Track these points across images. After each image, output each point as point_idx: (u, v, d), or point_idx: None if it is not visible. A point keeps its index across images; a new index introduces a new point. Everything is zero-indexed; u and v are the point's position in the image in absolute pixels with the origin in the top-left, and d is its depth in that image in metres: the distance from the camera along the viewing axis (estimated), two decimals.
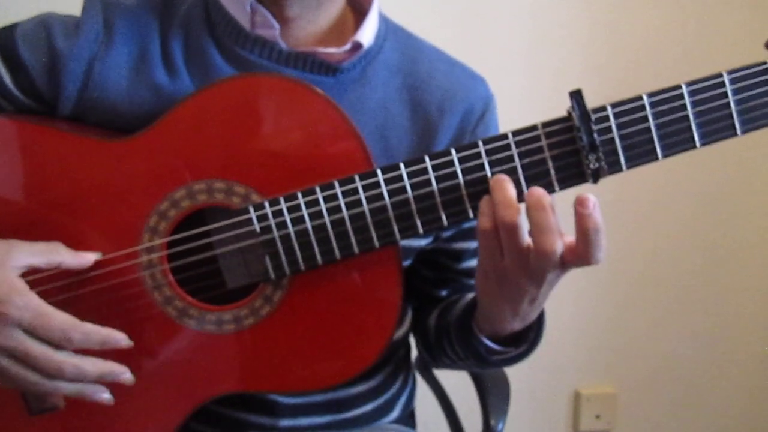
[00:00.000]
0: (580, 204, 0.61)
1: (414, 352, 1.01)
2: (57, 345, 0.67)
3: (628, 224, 1.64)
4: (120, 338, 0.69)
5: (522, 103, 1.27)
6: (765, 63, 0.64)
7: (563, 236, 0.63)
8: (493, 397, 1.05)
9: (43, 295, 0.71)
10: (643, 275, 1.68)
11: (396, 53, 0.84)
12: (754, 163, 1.62)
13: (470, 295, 0.86)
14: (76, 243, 0.73)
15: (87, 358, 0.68)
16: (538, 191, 0.62)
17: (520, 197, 0.65)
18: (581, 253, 0.63)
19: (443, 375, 1.17)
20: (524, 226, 0.64)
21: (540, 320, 0.77)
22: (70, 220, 0.74)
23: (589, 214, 0.61)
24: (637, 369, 1.73)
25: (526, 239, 0.64)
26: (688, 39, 1.53)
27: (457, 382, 1.12)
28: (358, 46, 0.80)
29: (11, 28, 0.79)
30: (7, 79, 0.78)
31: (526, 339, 0.78)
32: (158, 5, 0.81)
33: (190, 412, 0.77)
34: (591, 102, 0.65)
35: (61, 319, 0.66)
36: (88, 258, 0.72)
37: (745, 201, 1.66)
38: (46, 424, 0.77)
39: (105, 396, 0.71)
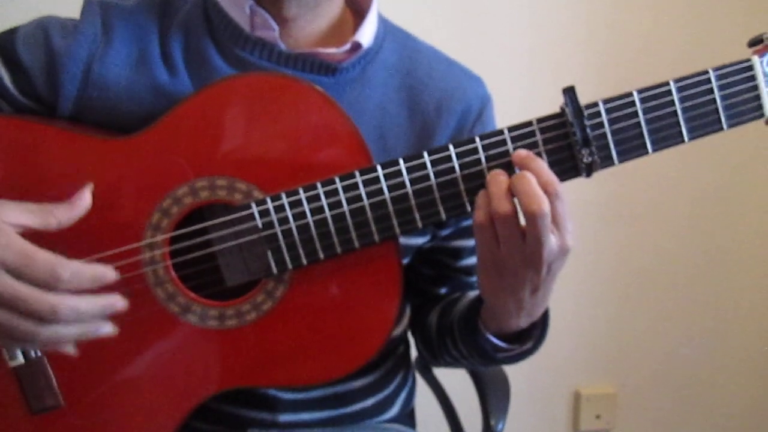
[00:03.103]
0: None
1: (413, 351, 1.02)
2: (46, 286, 0.63)
3: (629, 224, 1.65)
4: (109, 273, 0.66)
5: (521, 102, 1.28)
6: (749, 60, 0.67)
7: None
8: (493, 397, 1.05)
9: None
10: (643, 275, 1.69)
11: (394, 54, 0.85)
12: (754, 163, 1.63)
13: (473, 293, 0.88)
14: (78, 240, 0.73)
15: (81, 296, 0.65)
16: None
17: None
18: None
19: (443, 375, 1.18)
20: (519, 216, 0.66)
21: (545, 317, 0.78)
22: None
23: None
24: (637, 369, 1.74)
25: (521, 228, 0.66)
26: (687, 39, 1.54)
27: (457, 382, 1.13)
28: (357, 46, 0.81)
29: (12, 32, 0.81)
30: (7, 81, 0.79)
31: (531, 336, 0.79)
32: (157, 7, 0.82)
33: (192, 409, 0.78)
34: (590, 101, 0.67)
35: (45, 257, 0.63)
36: (84, 200, 0.69)
37: (744, 201, 1.66)
38: (47, 423, 0.77)
39: (107, 329, 0.68)
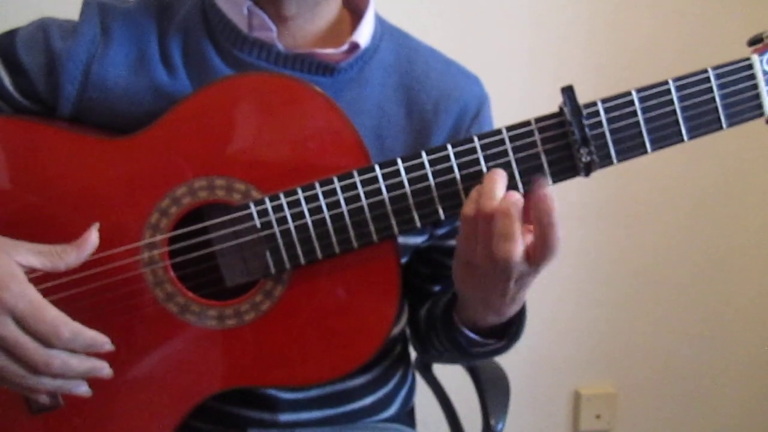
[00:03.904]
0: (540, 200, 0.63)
1: (412, 349, 1.02)
2: (44, 341, 0.66)
3: (628, 224, 1.65)
4: (104, 342, 0.69)
5: (520, 102, 1.28)
6: (748, 59, 0.67)
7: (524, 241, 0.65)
8: (493, 397, 1.05)
9: (46, 293, 0.71)
10: (643, 275, 1.68)
11: (392, 54, 0.85)
12: (754, 163, 1.63)
13: None
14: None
15: (73, 355, 0.68)
16: (513, 197, 0.65)
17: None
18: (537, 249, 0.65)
19: (443, 375, 1.18)
20: None
21: (521, 315, 0.79)
22: (71, 218, 0.75)
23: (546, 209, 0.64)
24: (637, 369, 1.74)
25: None
26: (687, 39, 1.54)
27: (457, 382, 1.13)
28: (355, 46, 0.81)
29: (12, 33, 0.81)
30: (7, 82, 0.79)
31: (507, 333, 0.79)
32: (156, 8, 0.82)
33: (191, 409, 0.78)
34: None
35: (53, 314, 0.66)
36: (91, 241, 0.70)
37: (744, 201, 1.66)
38: (47, 423, 0.77)
39: (83, 389, 0.71)
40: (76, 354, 0.68)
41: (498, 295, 0.71)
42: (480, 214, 0.66)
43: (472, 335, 0.80)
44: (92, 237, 0.70)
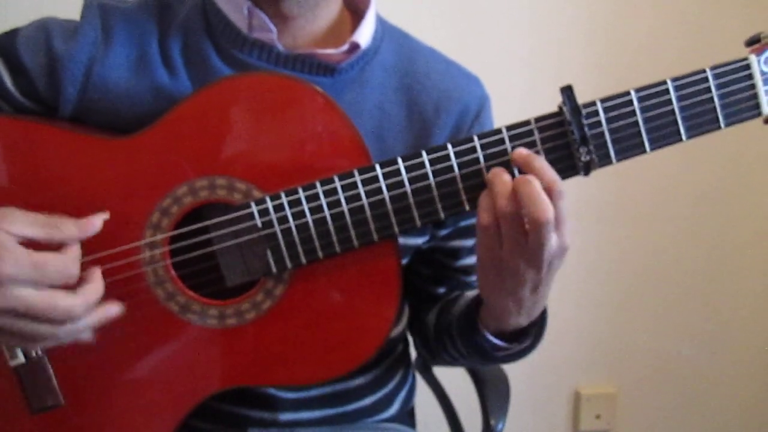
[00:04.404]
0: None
1: (413, 350, 1.02)
2: (65, 285, 0.65)
3: (629, 224, 1.65)
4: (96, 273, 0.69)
5: (521, 102, 1.28)
6: (746, 59, 0.67)
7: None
8: (493, 397, 1.05)
9: None
10: (643, 275, 1.69)
11: (393, 54, 0.86)
12: (754, 163, 1.63)
13: (472, 293, 0.88)
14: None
15: (87, 286, 0.68)
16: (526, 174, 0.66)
17: None
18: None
19: (443, 375, 1.18)
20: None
21: (543, 314, 0.79)
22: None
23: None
24: (638, 369, 1.74)
25: (524, 229, 0.66)
26: (687, 39, 1.54)
27: (457, 382, 1.13)
28: (355, 46, 0.82)
29: (13, 33, 0.81)
30: (8, 82, 0.79)
31: (529, 334, 0.79)
32: (156, 9, 0.82)
33: (192, 408, 0.78)
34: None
35: (54, 261, 0.65)
36: (94, 224, 0.69)
37: (744, 201, 1.66)
38: (47, 423, 0.78)
39: (115, 309, 0.70)
40: (87, 283, 0.68)
41: (531, 291, 0.71)
42: (501, 216, 0.66)
43: (496, 341, 0.79)
44: (96, 221, 0.70)
